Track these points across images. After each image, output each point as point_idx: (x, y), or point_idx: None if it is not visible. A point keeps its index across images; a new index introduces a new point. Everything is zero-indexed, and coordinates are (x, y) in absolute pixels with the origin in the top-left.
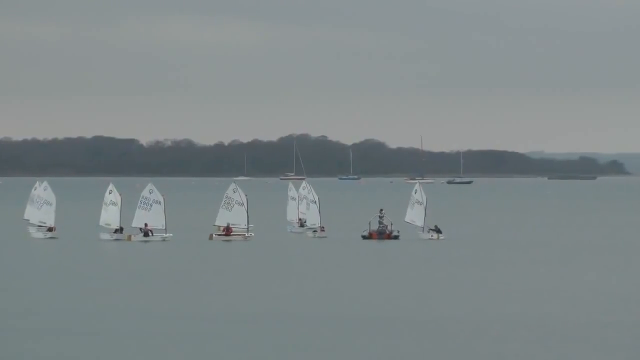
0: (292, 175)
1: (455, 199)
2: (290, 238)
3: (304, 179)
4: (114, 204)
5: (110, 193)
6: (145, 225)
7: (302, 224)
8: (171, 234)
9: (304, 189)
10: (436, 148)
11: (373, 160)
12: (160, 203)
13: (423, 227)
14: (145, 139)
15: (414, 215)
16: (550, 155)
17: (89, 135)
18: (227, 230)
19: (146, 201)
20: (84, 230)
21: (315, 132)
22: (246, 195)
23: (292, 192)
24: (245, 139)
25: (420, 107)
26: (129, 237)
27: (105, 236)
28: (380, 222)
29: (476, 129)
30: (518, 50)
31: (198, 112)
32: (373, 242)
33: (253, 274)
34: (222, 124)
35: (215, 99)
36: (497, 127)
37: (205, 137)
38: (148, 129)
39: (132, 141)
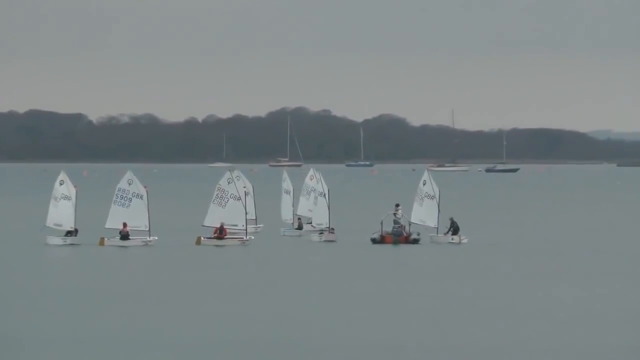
0: (285, 161)
1: (496, 191)
2: (296, 243)
3: (300, 165)
4: (66, 198)
5: (61, 184)
6: (124, 225)
7: (300, 224)
8: (155, 237)
9: (311, 179)
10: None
11: (390, 142)
12: (142, 197)
13: (437, 228)
14: (95, 115)
15: (424, 214)
16: (619, 136)
17: (21, 109)
18: (220, 233)
19: (124, 195)
20: (24, 233)
21: (315, 106)
22: (252, 185)
23: (286, 183)
24: (224, 113)
25: (452, 74)
26: (102, 241)
27: (55, 240)
28: (395, 222)
29: (523, 101)
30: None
31: (164, 80)
32: (385, 248)
33: (245, 290)
34: (194, 95)
35: (187, 63)
36: (550, 99)
37: (173, 111)
38: (99, 101)
39: (78, 117)
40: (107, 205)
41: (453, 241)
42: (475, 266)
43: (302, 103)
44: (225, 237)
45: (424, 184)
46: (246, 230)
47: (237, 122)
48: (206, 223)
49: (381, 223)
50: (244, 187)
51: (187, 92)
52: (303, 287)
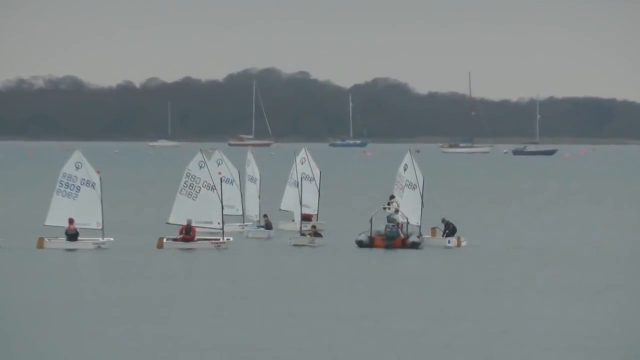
0: (249, 139)
1: (525, 179)
2: (273, 247)
3: (270, 144)
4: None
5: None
6: (70, 222)
7: (267, 222)
8: (111, 239)
9: (302, 163)
10: (495, 94)
11: (388, 115)
12: (93, 185)
13: (420, 226)
14: None
15: (405, 208)
16: None
17: None
18: (187, 233)
19: (70, 181)
20: None
21: (288, 67)
22: (238, 171)
23: (250, 167)
24: (169, 77)
25: (468, 26)
26: (41, 243)
27: None
28: (389, 219)
29: (562, 63)
30: None
31: (91, 33)
32: (374, 254)
33: (207, 312)
34: (131, 52)
35: (121, 12)
36: (597, 60)
37: (103, 74)
38: (3, 60)
39: None
40: (45, 196)
41: (450, 245)
42: (477, 278)
43: (272, 63)
44: (195, 238)
45: (404, 169)
46: (223, 229)
47: (187, 88)
48: (172, 220)
49: (370, 221)
50: (220, 174)
51: (121, 49)
52: (267, 307)
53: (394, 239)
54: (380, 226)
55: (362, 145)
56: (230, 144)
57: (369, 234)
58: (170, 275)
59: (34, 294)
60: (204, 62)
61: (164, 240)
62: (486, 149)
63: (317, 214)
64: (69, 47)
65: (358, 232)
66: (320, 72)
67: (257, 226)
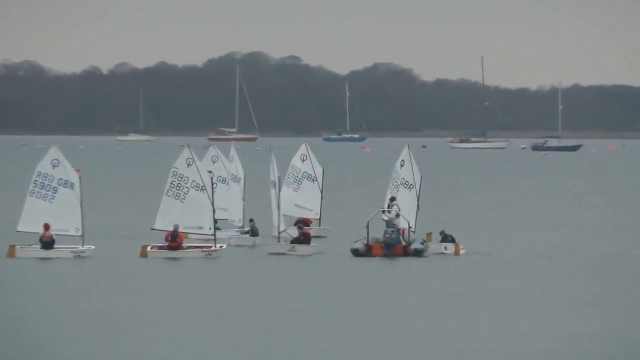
0: (232, 133)
1: (544, 177)
2: (281, 258)
3: (255, 138)
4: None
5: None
6: (46, 227)
7: (253, 228)
8: (92, 247)
9: (303, 159)
10: (511, 82)
11: (390, 105)
12: (72, 186)
13: (414, 231)
14: None
15: (399, 209)
16: None
17: None
18: (174, 240)
19: (46, 181)
20: None
21: (277, 51)
22: (243, 172)
23: (234, 165)
24: (140, 62)
25: (481, 8)
26: (12, 251)
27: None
28: (389, 225)
29: (588, 47)
30: None
31: (53, 15)
32: (371, 263)
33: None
34: (97, 34)
35: None
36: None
37: (67, 59)
38: None
39: None
40: (17, 197)
41: (446, 251)
42: (480, 291)
43: (258, 47)
44: (183, 245)
45: (401, 166)
46: (215, 236)
47: (161, 75)
48: (157, 226)
49: (367, 226)
50: (211, 172)
51: (86, 31)
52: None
53: (394, 246)
54: (379, 232)
55: (361, 139)
56: (210, 139)
57: (365, 242)
58: (152, 289)
59: (3, 309)
60: (181, 45)
61: (148, 248)
62: (501, 144)
63: (320, 219)
64: (28, 28)
65: (354, 239)
66: (312, 57)
67: (242, 232)
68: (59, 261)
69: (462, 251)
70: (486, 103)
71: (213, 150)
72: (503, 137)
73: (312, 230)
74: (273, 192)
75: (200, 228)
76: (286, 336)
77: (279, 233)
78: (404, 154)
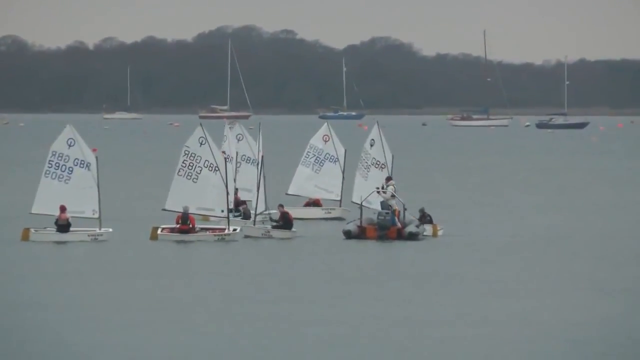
0: (224, 110)
1: (549, 157)
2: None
3: (248, 116)
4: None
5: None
6: (62, 209)
7: (246, 211)
8: (109, 229)
9: (325, 140)
10: (515, 57)
11: (389, 81)
12: (88, 166)
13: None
14: None
15: (368, 190)
16: None
17: None
18: (184, 222)
19: (61, 161)
20: None
21: (270, 25)
22: (260, 154)
23: (227, 144)
24: (128, 36)
25: None
26: (26, 234)
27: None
28: (383, 206)
29: (595, 20)
30: None
31: None
32: (364, 246)
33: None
34: (82, 8)
35: None
36: (636, 18)
37: (50, 34)
38: None
39: None
40: (29, 178)
41: (424, 233)
42: (472, 274)
43: (250, 20)
44: (194, 228)
45: (371, 145)
46: (228, 218)
47: (149, 50)
48: (169, 206)
49: (360, 207)
50: (224, 152)
51: (71, 4)
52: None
53: (388, 228)
54: (371, 214)
55: (359, 117)
56: (201, 116)
57: (358, 223)
58: (159, 272)
59: (17, 294)
60: (170, 18)
61: (159, 230)
62: (504, 122)
63: (341, 200)
64: (10, 1)
65: (346, 221)
66: (307, 31)
67: (233, 215)
68: (74, 244)
69: (439, 232)
70: (489, 79)
71: (238, 128)
72: (506, 115)
73: (335, 211)
74: (255, 171)
75: (212, 210)
76: (275, 324)
77: (256, 215)
78: (374, 132)
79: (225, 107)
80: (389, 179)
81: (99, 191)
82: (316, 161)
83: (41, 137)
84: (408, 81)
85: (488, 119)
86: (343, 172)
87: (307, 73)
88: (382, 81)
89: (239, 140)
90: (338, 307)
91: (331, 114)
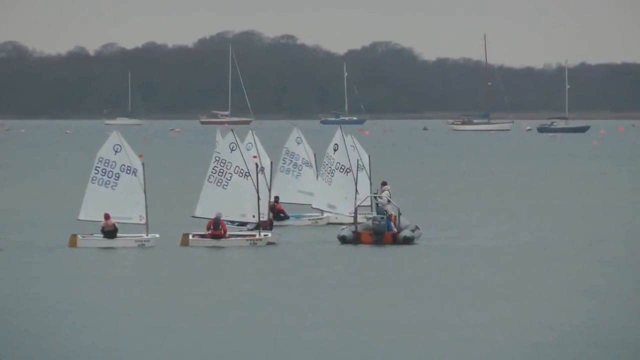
0: (225, 116)
1: (548, 160)
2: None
3: (250, 121)
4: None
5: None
6: (106, 217)
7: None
8: (157, 235)
9: (353, 149)
10: (516, 61)
11: (390, 86)
12: (135, 172)
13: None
14: None
15: (334, 197)
16: None
17: None
18: (216, 228)
19: (108, 167)
20: None
21: (271, 30)
22: (314, 154)
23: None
24: (128, 42)
25: None
26: (74, 241)
27: None
28: (379, 211)
29: (596, 24)
30: None
31: None
32: (359, 252)
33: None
34: (82, 14)
35: None
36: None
37: (51, 40)
38: None
39: None
40: (74, 184)
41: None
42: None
43: (251, 26)
44: (226, 234)
45: (334, 150)
46: (259, 223)
47: (150, 55)
48: (199, 213)
49: (355, 212)
50: (255, 157)
51: (72, 10)
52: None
53: (382, 234)
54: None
55: (360, 122)
56: (202, 122)
57: (354, 229)
58: (196, 279)
59: (64, 299)
60: (170, 24)
61: (190, 236)
62: (506, 126)
63: (371, 205)
64: (10, 7)
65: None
66: (308, 36)
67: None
68: (121, 251)
69: (416, 234)
70: (489, 83)
71: (297, 132)
72: (507, 119)
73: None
74: (309, 170)
75: (244, 216)
76: (270, 329)
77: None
78: (337, 137)
79: (226, 113)
80: (384, 183)
81: (145, 197)
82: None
83: (88, 144)
84: (409, 86)
85: (489, 123)
86: (370, 178)
87: (308, 78)
88: (383, 86)
89: (298, 143)
90: (337, 313)
91: (333, 119)
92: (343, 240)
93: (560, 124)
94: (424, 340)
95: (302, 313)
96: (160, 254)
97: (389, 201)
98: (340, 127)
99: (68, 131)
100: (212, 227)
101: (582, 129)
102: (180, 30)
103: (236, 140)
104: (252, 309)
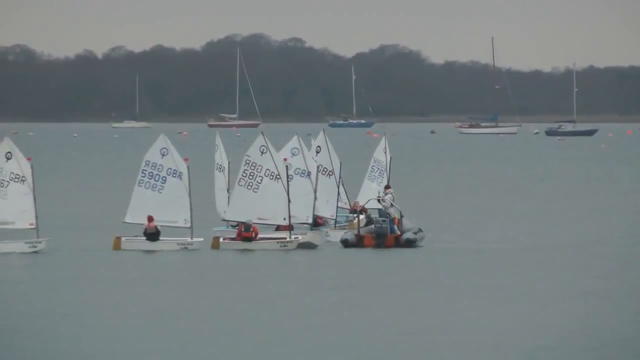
0: (232, 119)
1: (557, 164)
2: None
3: (257, 125)
4: (19, 179)
5: (9, 159)
6: (149, 219)
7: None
8: (201, 239)
9: (384, 151)
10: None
11: (397, 89)
12: (181, 176)
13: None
14: None
15: (295, 198)
16: None
17: None
18: (247, 231)
19: (155, 171)
20: None
21: (279, 33)
22: (340, 162)
23: (219, 153)
24: (136, 45)
25: None
26: (118, 243)
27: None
28: (381, 214)
29: (604, 27)
30: None
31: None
32: (361, 255)
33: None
34: (90, 17)
35: None
36: None
37: (59, 43)
38: None
39: None
40: (118, 188)
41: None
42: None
43: (259, 29)
44: (257, 237)
45: (317, 152)
46: (290, 225)
47: (158, 59)
48: (229, 216)
49: (358, 214)
50: (285, 160)
51: (79, 13)
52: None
53: (385, 237)
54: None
55: (368, 125)
56: (210, 125)
57: (356, 232)
58: (226, 282)
59: (104, 301)
60: (178, 27)
61: (221, 239)
62: (513, 129)
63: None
64: (19, 10)
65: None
66: (316, 39)
67: (233, 226)
68: (164, 254)
69: (418, 237)
70: (497, 86)
71: (295, 141)
72: (515, 122)
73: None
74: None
75: (274, 218)
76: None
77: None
78: (320, 140)
79: (234, 116)
80: (387, 187)
81: (190, 200)
82: (379, 174)
83: (51, 148)
84: (416, 89)
85: (497, 126)
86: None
87: (316, 81)
88: (390, 89)
89: (294, 154)
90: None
91: (341, 122)
92: (346, 243)
93: (568, 127)
94: (424, 342)
95: (303, 315)
96: (200, 257)
97: (391, 204)
98: (297, 133)
99: (75, 134)
100: (242, 231)
101: (590, 132)
102: (188, 33)
103: (266, 143)
104: (253, 312)
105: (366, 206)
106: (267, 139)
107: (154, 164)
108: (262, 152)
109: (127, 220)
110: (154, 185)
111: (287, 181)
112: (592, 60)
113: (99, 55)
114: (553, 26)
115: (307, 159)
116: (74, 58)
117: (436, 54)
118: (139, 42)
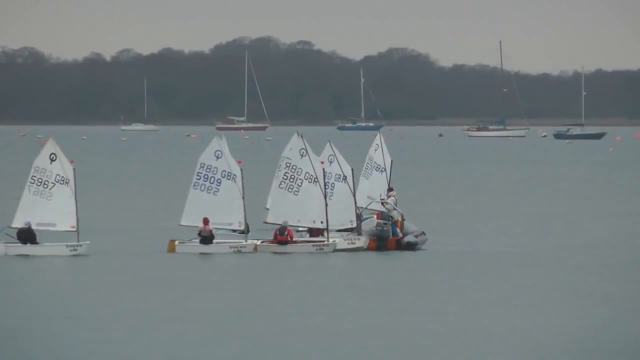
0: (241, 122)
1: (565, 168)
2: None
3: (265, 127)
4: (63, 182)
5: (53, 160)
6: (205, 222)
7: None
8: (257, 241)
9: (374, 150)
10: (532, 67)
11: (406, 92)
12: (235, 178)
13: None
14: None
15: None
16: None
17: None
18: (282, 235)
19: (210, 173)
20: None
21: (287, 36)
22: (391, 159)
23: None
24: (146, 47)
25: None
26: (172, 246)
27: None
28: (383, 217)
29: (612, 30)
30: None
31: (53, 1)
32: (361, 258)
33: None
34: (98, 19)
35: None
36: None
37: (68, 45)
38: None
39: None
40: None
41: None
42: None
43: (267, 32)
44: (292, 240)
45: (302, 156)
46: (327, 229)
47: (166, 61)
48: (270, 219)
49: (359, 217)
50: (322, 163)
51: (88, 16)
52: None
53: (386, 239)
54: (371, 223)
55: (376, 128)
56: (218, 128)
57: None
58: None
59: (158, 304)
60: (187, 30)
61: (258, 242)
62: (521, 133)
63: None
64: (27, 13)
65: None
66: (325, 42)
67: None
68: (219, 257)
69: (420, 238)
70: (505, 89)
71: (377, 139)
72: (523, 125)
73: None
74: (368, 181)
75: (313, 222)
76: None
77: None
78: (327, 151)
79: (242, 119)
80: (390, 189)
81: (244, 203)
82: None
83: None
84: (425, 92)
85: (505, 129)
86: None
87: (325, 84)
88: (399, 92)
89: (375, 150)
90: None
91: (349, 125)
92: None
93: (576, 130)
94: (425, 344)
95: (305, 316)
96: (251, 261)
97: (394, 207)
98: (297, 132)
99: (84, 137)
100: (278, 233)
101: (598, 136)
102: (197, 36)
103: (305, 146)
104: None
105: (369, 208)
106: (306, 142)
107: (209, 167)
108: (302, 155)
109: (183, 223)
110: (210, 188)
111: (325, 185)
112: (600, 63)
113: (107, 57)
114: (561, 29)
115: (342, 164)
116: (82, 61)
117: (444, 57)
118: (147, 44)
